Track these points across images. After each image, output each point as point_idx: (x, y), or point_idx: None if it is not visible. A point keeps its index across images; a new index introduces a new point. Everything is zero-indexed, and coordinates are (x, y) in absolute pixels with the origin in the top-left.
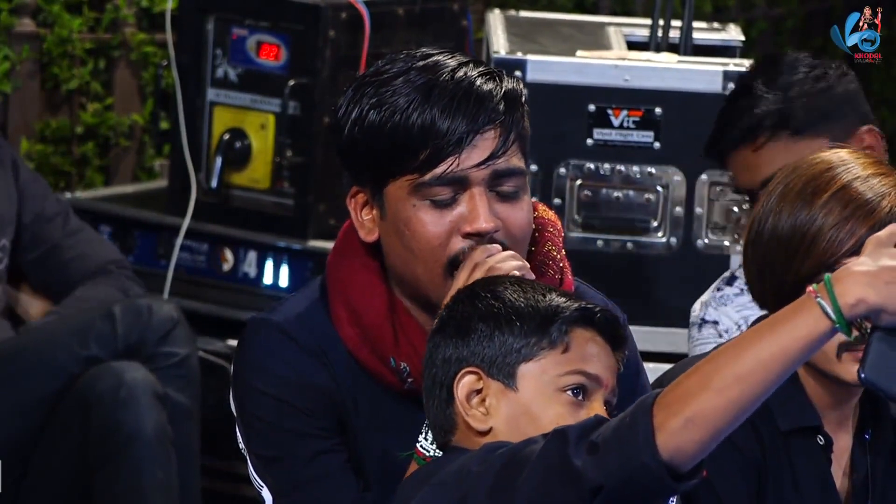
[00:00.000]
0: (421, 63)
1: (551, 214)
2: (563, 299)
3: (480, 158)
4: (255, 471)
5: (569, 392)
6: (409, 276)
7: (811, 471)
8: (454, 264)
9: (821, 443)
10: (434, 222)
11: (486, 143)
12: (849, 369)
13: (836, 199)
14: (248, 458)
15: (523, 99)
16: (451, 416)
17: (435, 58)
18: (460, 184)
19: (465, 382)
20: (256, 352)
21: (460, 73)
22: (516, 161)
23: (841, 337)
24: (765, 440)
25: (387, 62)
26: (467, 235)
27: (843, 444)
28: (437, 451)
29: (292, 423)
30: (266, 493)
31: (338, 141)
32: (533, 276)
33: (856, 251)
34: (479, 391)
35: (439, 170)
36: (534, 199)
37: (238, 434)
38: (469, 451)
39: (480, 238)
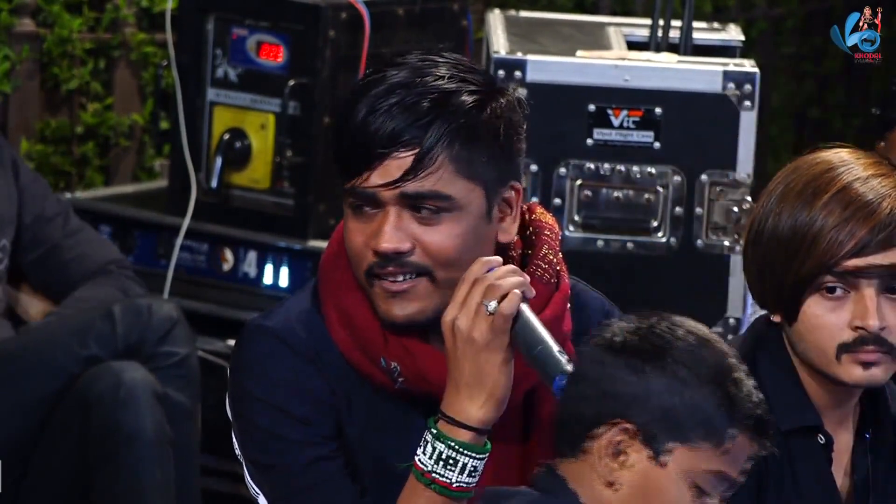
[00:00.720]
0: (403, 68)
1: (548, 217)
2: (742, 393)
3: (388, 179)
4: (251, 478)
5: (704, 487)
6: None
7: (811, 470)
8: (369, 275)
9: (821, 442)
10: (357, 231)
11: (398, 164)
12: (848, 370)
13: (837, 201)
14: (244, 464)
15: (469, 120)
16: (581, 442)
17: (433, 68)
18: (374, 200)
19: (618, 434)
20: (252, 358)
21: (416, 83)
22: (430, 184)
23: (840, 338)
24: None
25: (397, 58)
26: (375, 253)
27: (843, 443)
28: (436, 464)
29: (288, 431)
30: (262, 501)
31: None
32: (533, 292)
33: (856, 253)
34: (624, 444)
35: (355, 181)
36: (532, 201)
37: (234, 439)
38: (573, 494)
39: (385, 257)
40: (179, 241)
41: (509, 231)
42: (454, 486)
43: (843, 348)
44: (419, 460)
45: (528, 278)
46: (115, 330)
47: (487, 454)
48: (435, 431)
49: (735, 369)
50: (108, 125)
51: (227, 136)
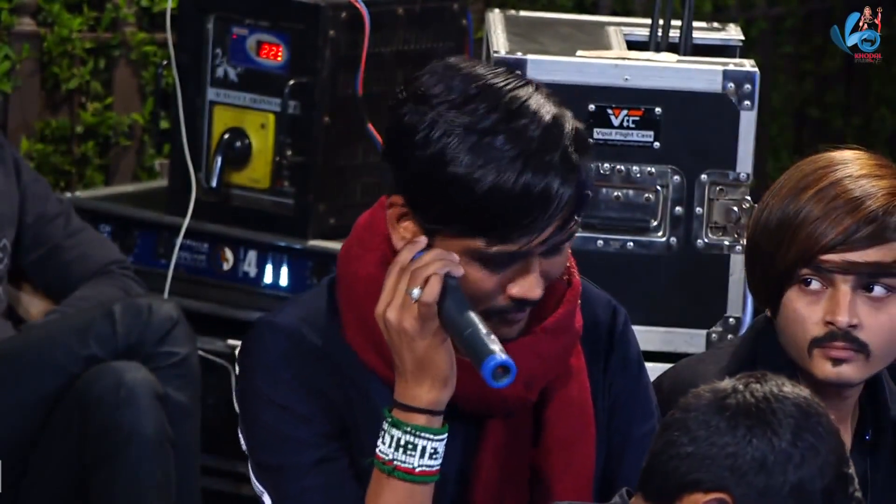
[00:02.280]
0: (512, 110)
1: None
2: (852, 488)
3: (548, 235)
4: (255, 476)
5: None
6: None
7: None
8: (493, 313)
9: None
10: (483, 280)
11: (557, 221)
12: (818, 365)
13: (823, 194)
14: (248, 461)
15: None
16: (673, 497)
17: (527, 102)
18: (522, 256)
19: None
20: (261, 355)
21: (553, 139)
22: (574, 226)
23: (813, 332)
24: None
25: (480, 88)
26: (513, 298)
27: None
28: (395, 451)
29: (294, 431)
30: (266, 499)
31: (401, 155)
32: (461, 271)
33: (833, 247)
34: None
35: (509, 247)
36: None
37: (240, 434)
38: None
39: (528, 303)
40: (179, 240)
41: None
42: (417, 470)
43: (815, 343)
44: (380, 451)
45: (456, 257)
46: (116, 330)
47: (445, 435)
48: (391, 419)
49: (848, 462)
50: (108, 125)
51: (226, 136)
